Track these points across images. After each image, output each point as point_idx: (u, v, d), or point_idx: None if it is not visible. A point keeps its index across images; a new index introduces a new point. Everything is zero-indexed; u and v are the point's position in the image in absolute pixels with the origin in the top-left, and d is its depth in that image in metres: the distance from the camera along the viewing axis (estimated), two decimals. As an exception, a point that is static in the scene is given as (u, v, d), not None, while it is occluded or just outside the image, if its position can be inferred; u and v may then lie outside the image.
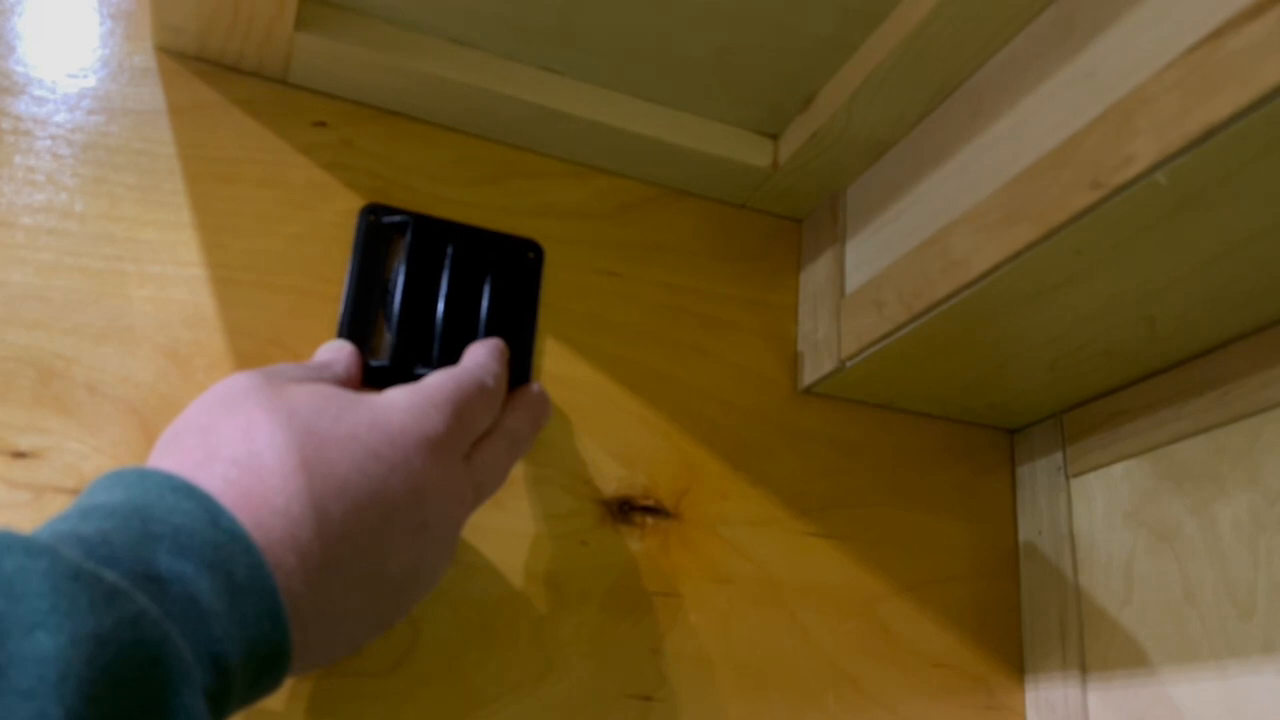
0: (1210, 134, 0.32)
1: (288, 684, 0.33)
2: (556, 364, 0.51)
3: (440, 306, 0.47)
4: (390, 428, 0.35)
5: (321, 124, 0.49)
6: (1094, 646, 0.51)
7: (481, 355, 0.43)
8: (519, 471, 0.48)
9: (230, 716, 0.29)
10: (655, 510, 0.50)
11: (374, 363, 0.45)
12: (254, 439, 0.32)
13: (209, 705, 0.26)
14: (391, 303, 0.47)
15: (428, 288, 0.47)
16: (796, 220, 0.60)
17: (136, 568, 0.26)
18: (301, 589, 0.30)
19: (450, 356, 0.45)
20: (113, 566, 0.25)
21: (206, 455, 0.32)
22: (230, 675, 0.28)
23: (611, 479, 0.50)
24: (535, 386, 0.46)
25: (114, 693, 0.22)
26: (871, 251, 0.52)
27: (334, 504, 0.32)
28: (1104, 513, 0.53)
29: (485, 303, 0.48)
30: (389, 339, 0.46)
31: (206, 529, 0.28)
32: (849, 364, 0.51)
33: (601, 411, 0.51)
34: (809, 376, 0.55)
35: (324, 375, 0.40)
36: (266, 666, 0.30)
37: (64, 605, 0.22)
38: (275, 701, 0.41)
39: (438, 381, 0.39)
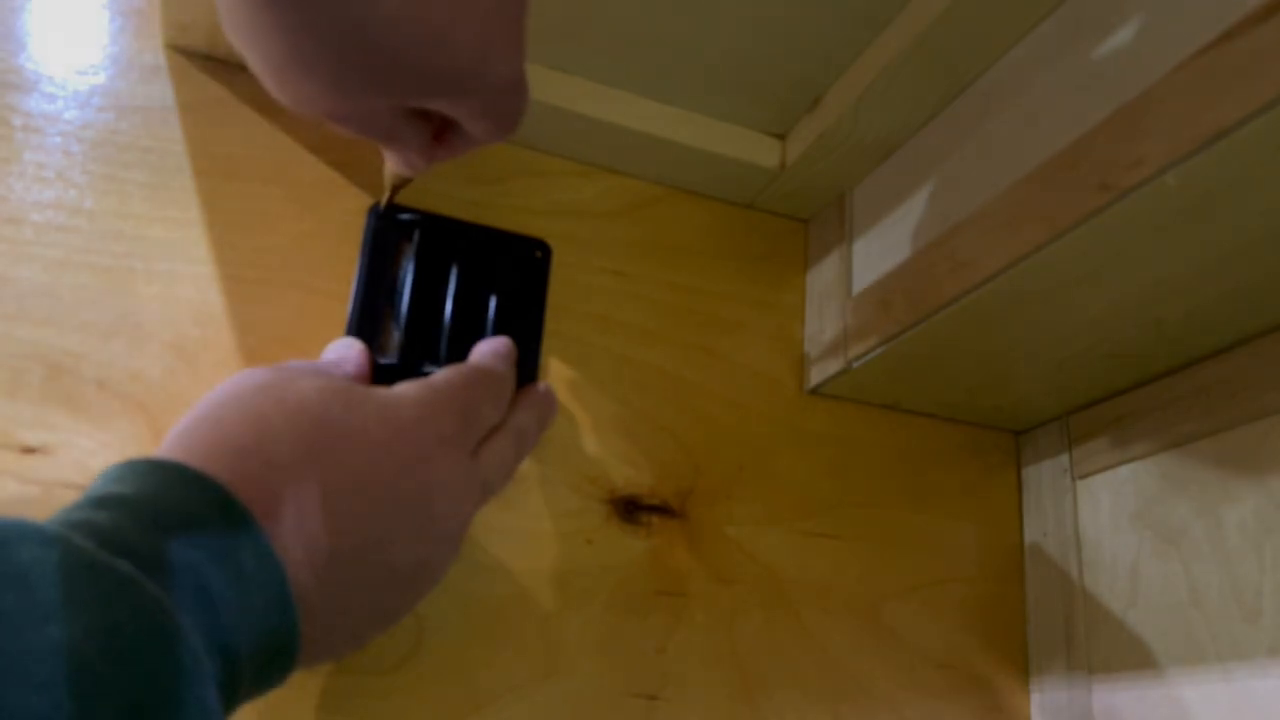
0: (1219, 136, 0.32)
1: (294, 680, 0.33)
2: (563, 363, 0.51)
3: (448, 305, 0.47)
4: (400, 423, 0.35)
5: (330, 122, 0.49)
6: (1099, 649, 0.51)
7: (489, 353, 0.44)
8: (525, 470, 0.48)
9: (237, 708, 0.29)
10: (661, 510, 0.50)
11: (382, 360, 0.45)
12: (265, 432, 0.32)
13: (219, 695, 0.26)
14: (400, 301, 0.47)
15: (436, 286, 0.47)
16: (803, 220, 0.60)
17: (148, 558, 0.26)
18: (310, 581, 0.31)
19: (458, 355, 0.45)
20: (125, 557, 0.25)
21: (218, 446, 0.32)
22: (239, 666, 0.28)
23: (618, 478, 0.50)
24: (542, 385, 0.46)
25: (127, 684, 0.22)
26: (878, 252, 0.53)
27: (343, 497, 0.32)
28: (1110, 515, 0.53)
29: (493, 301, 0.48)
30: (397, 337, 0.46)
31: (217, 520, 0.29)
32: (855, 364, 0.51)
33: (608, 411, 0.51)
34: (815, 377, 0.55)
35: (333, 372, 0.40)
36: (274, 658, 0.30)
37: (78, 596, 0.22)
38: (281, 698, 0.41)
39: (446, 378, 0.39)
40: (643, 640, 0.48)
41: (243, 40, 0.32)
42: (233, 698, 0.28)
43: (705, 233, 0.57)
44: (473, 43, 0.31)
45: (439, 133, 0.38)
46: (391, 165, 0.42)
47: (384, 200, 0.46)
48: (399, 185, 0.44)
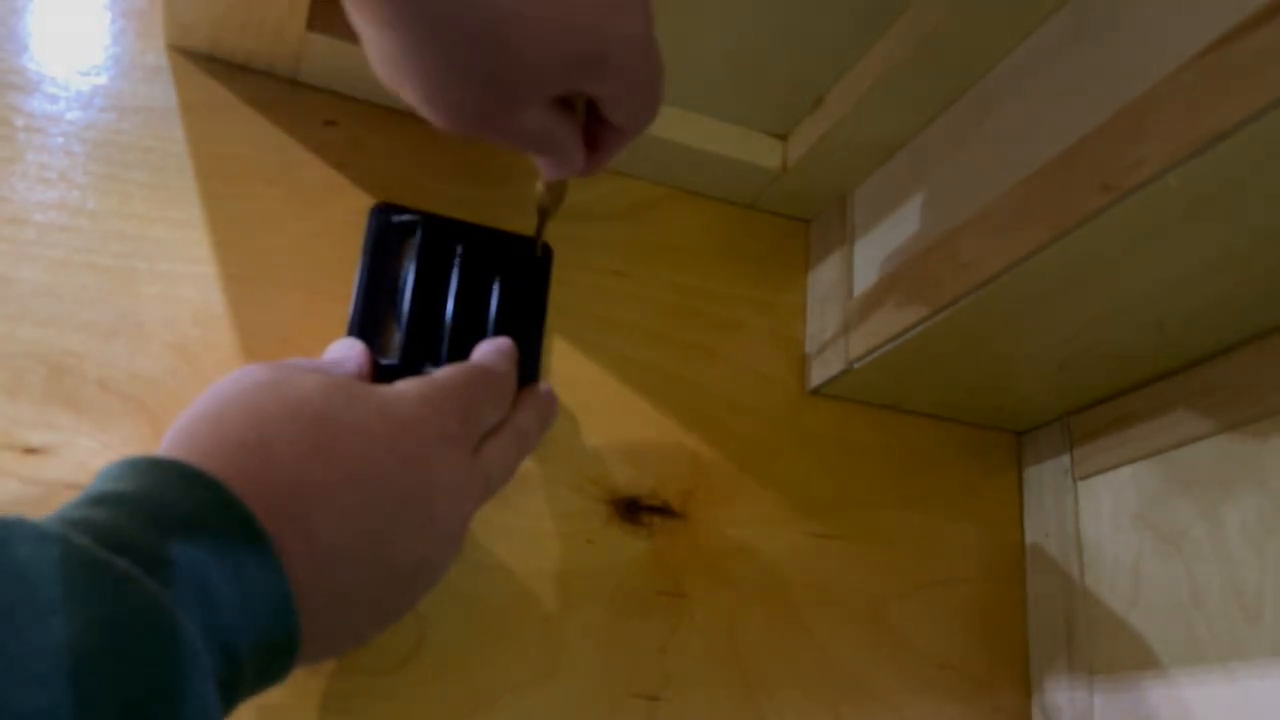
0: (1221, 138, 0.32)
1: (295, 681, 0.33)
2: (565, 363, 0.51)
3: (449, 305, 0.47)
4: (401, 420, 0.35)
5: (332, 123, 0.49)
6: (1100, 649, 0.51)
7: (490, 353, 0.44)
8: (527, 470, 0.48)
9: (238, 705, 0.29)
10: (663, 510, 0.50)
11: (384, 361, 0.45)
12: (265, 427, 0.32)
13: (219, 692, 0.26)
14: (401, 302, 0.47)
15: (437, 287, 0.48)
16: (805, 221, 0.60)
17: (148, 555, 0.26)
18: (310, 577, 0.31)
19: (459, 355, 0.45)
20: (124, 554, 0.25)
21: (218, 443, 0.32)
22: (240, 662, 0.28)
23: (619, 479, 0.50)
24: (543, 386, 0.46)
25: (127, 679, 0.22)
26: (880, 253, 0.53)
27: (344, 493, 0.32)
28: (1111, 515, 0.53)
29: (494, 302, 0.48)
30: (398, 338, 0.46)
31: (217, 516, 0.29)
32: (857, 365, 0.51)
33: (609, 411, 0.51)
34: (817, 377, 0.55)
35: (335, 372, 0.40)
36: (274, 654, 0.30)
37: (76, 593, 0.22)
38: (283, 698, 0.41)
39: (448, 376, 0.39)
40: (644, 640, 0.48)
41: (399, 71, 0.32)
42: (233, 695, 0.28)
43: (707, 233, 0.57)
44: (596, 4, 0.31)
45: (589, 139, 0.38)
46: (548, 175, 0.42)
47: (538, 238, 0.48)
48: (546, 208, 0.45)
